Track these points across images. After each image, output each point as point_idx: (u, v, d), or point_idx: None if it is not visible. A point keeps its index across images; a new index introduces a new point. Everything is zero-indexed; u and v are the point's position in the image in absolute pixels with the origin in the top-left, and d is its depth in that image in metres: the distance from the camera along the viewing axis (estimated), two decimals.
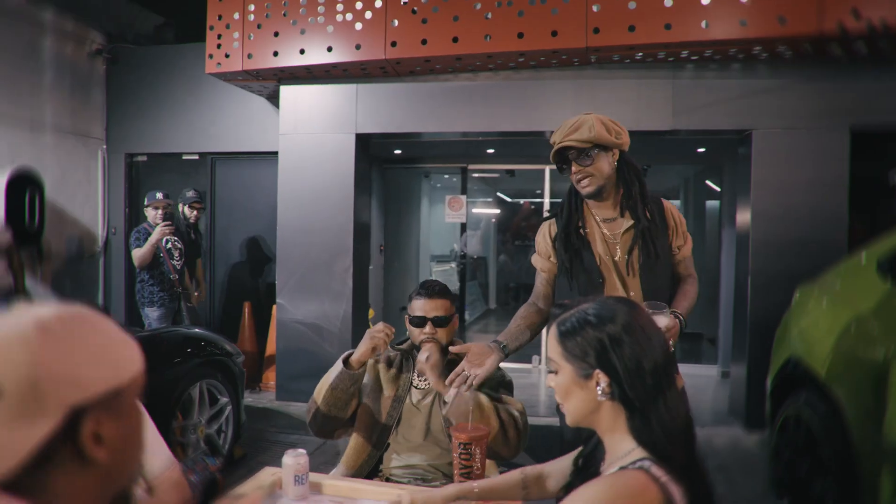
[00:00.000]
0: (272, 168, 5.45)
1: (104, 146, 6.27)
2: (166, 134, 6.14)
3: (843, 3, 3.96)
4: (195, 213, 5.35)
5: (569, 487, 1.29)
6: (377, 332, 2.03)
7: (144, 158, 6.39)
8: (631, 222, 2.13)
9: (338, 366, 2.06)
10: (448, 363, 2.13)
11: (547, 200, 6.77)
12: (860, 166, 4.61)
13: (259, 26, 4.87)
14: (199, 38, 5.13)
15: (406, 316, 2.26)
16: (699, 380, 6.16)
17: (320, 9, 4.74)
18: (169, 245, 4.96)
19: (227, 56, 4.94)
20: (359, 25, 4.66)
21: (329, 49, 4.74)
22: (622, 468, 1.10)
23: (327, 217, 5.17)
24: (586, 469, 1.31)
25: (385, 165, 7.12)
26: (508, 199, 10.13)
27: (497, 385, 2.17)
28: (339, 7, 4.71)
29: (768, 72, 4.57)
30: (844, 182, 4.54)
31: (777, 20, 4.02)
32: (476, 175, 7.45)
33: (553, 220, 2.29)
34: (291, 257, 5.23)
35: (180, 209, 5.35)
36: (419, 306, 2.19)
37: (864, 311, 2.56)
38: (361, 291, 5.39)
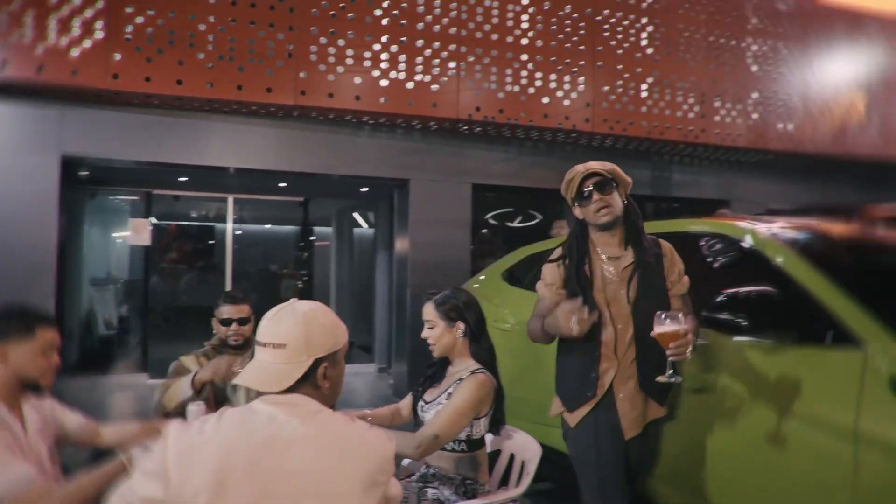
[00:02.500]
0: None
1: None
2: None
3: (473, 99, 5.81)
4: None
5: (415, 404, 2.42)
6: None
7: None
8: (631, 261, 2.24)
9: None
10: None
11: (229, 226, 7.42)
12: (479, 210, 6.63)
13: None
14: None
15: (215, 319, 2.97)
16: (361, 376, 7.58)
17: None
18: None
19: None
20: (75, 52, 4.82)
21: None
22: (472, 373, 2.25)
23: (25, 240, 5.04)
24: (426, 386, 2.43)
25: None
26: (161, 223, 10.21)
27: None
28: (53, 29, 4.79)
29: (422, 137, 6.25)
30: (468, 220, 6.47)
31: (405, 104, 5.65)
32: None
33: (560, 259, 2.35)
34: None
35: None
36: (226, 311, 2.94)
37: (496, 303, 4.16)
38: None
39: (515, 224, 8.00)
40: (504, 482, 2.53)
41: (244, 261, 7.94)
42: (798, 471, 2.12)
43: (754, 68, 7.16)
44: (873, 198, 8.58)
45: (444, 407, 2.24)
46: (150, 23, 4.97)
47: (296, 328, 1.44)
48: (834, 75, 7.65)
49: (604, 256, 2.28)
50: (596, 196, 2.20)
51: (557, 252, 2.38)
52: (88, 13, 4.85)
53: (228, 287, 7.28)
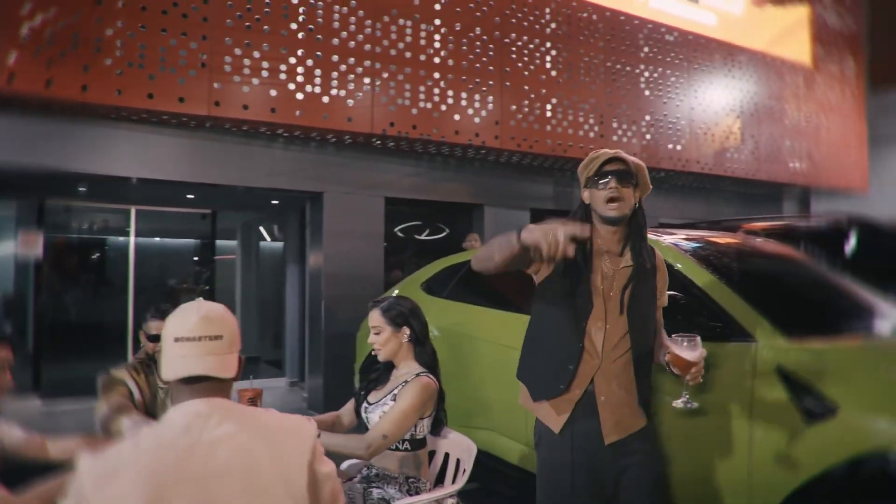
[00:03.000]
0: None
1: None
2: None
3: (387, 115, 5.93)
4: None
5: (358, 406, 2.49)
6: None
7: None
8: (627, 264, 2.10)
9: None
10: None
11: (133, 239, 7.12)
12: (391, 223, 6.74)
13: None
14: None
15: (143, 333, 2.94)
16: (272, 390, 7.45)
17: None
18: None
19: None
20: None
21: None
22: (416, 376, 2.36)
23: None
24: (369, 389, 2.52)
25: None
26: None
27: None
28: None
29: (336, 151, 6.30)
30: (381, 232, 6.57)
31: (321, 117, 5.72)
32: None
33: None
34: None
35: None
36: (154, 326, 2.92)
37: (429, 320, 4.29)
38: None
39: (423, 237, 8.18)
40: (440, 480, 2.65)
41: (145, 275, 7.60)
42: (705, 447, 2.39)
43: (647, 93, 7.75)
44: (749, 212, 9.46)
45: (391, 408, 2.34)
46: (50, 23, 4.74)
47: (226, 321, 1.49)
48: (714, 101, 8.41)
49: (603, 250, 2.10)
50: (613, 185, 2.02)
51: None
52: None
53: (131, 302, 6.98)
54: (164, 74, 5.07)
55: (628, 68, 7.59)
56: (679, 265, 2.76)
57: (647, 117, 7.70)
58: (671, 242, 2.93)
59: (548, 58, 6.96)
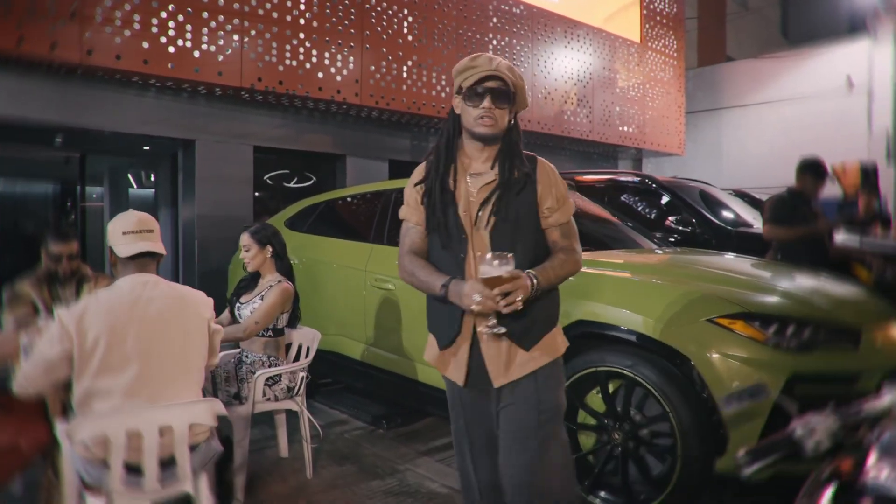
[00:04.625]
0: None
1: None
2: None
3: (255, 70, 6.45)
4: None
5: (232, 307, 3.24)
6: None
7: None
8: (493, 179, 1.97)
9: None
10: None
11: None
12: (260, 171, 7.31)
13: None
14: None
15: (44, 252, 3.47)
16: None
17: None
18: None
19: None
20: None
21: None
22: (279, 282, 3.14)
23: None
24: (240, 293, 3.27)
25: None
26: None
27: None
28: None
29: (207, 102, 6.75)
30: (251, 178, 7.15)
31: (192, 70, 6.20)
32: None
33: (423, 168, 2.10)
34: None
35: None
36: (56, 248, 3.45)
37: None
38: None
39: (292, 185, 8.77)
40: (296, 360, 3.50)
41: (3, 219, 7.67)
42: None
43: None
44: (587, 167, 10.83)
45: (260, 304, 3.13)
46: None
47: (153, 221, 2.33)
48: (554, 69, 9.56)
49: (468, 171, 1.99)
50: (487, 104, 1.90)
51: (419, 174, 2.09)
52: None
53: None
54: (32, 21, 5.31)
55: (478, 36, 8.50)
56: None
57: None
58: None
59: (405, 23, 7.70)
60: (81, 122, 6.03)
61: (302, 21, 6.82)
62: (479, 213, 1.97)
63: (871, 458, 1.03)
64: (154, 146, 7.51)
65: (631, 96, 10.97)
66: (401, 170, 8.69)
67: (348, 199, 5.13)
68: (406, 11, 7.72)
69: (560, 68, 9.65)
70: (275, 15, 6.62)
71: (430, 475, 3.44)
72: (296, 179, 8.74)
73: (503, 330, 1.89)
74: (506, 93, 1.95)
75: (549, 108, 9.47)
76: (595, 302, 3.01)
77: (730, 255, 4.12)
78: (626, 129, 10.86)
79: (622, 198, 6.35)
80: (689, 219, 5.70)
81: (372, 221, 4.38)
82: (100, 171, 9.58)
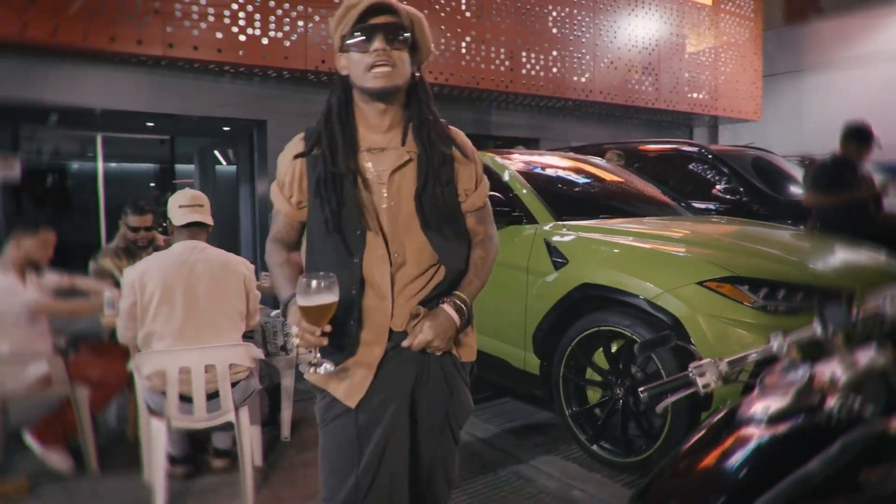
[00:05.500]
0: None
1: None
2: None
3: (319, 52, 6.91)
4: None
5: None
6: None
7: None
8: (405, 158, 1.56)
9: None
10: None
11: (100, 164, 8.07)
12: None
13: None
14: None
15: (123, 223, 4.03)
16: None
17: None
18: None
19: None
20: None
21: None
22: None
23: None
24: None
25: None
26: None
27: None
28: None
29: (277, 85, 7.29)
30: None
31: (261, 56, 6.69)
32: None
33: (302, 141, 1.63)
34: None
35: None
36: (134, 220, 4.01)
37: None
38: None
39: None
40: None
41: (113, 196, 8.58)
42: (500, 293, 3.69)
43: (554, 30, 8.80)
44: (656, 136, 10.73)
45: None
46: None
47: (205, 198, 2.80)
48: (617, 37, 9.50)
49: (363, 146, 1.57)
50: (378, 44, 1.47)
51: (297, 145, 1.65)
52: None
53: (102, 221, 8.01)
54: (123, 20, 5.97)
55: (537, 8, 8.60)
56: (506, 176, 4.00)
57: (555, 52, 8.79)
58: (506, 162, 4.16)
59: (462, 1, 7.93)
60: (167, 108, 6.71)
61: None
62: (390, 205, 1.55)
63: (753, 395, 1.26)
64: (233, 127, 8.16)
65: (701, 61, 10.71)
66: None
67: None
68: None
69: (624, 36, 9.58)
70: (336, 0, 7.03)
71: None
72: None
73: (331, 368, 1.48)
74: (401, 27, 1.50)
75: (612, 78, 9.45)
76: (597, 266, 3.26)
77: (756, 224, 4.21)
78: (696, 95, 10.64)
79: (670, 166, 6.41)
80: (736, 187, 5.72)
81: None
82: (189, 151, 10.46)
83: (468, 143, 1.69)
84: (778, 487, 0.99)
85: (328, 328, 1.43)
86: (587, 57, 9.17)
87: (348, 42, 1.52)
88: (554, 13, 8.79)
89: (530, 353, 3.57)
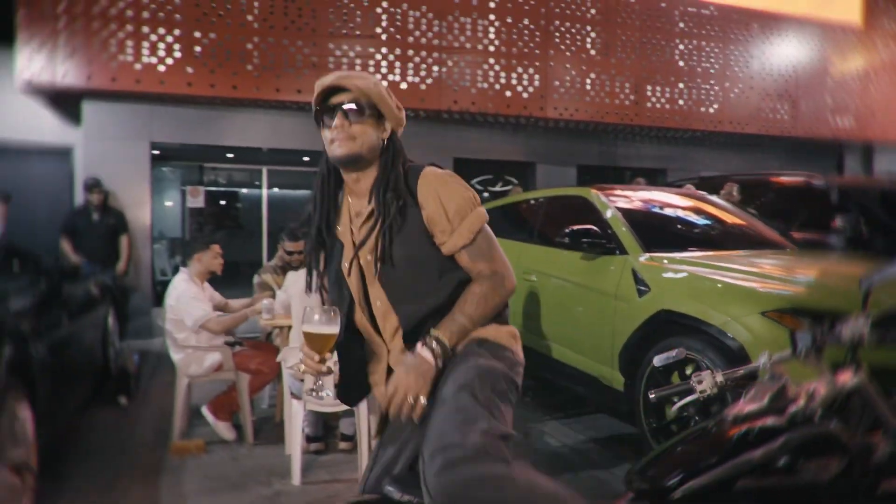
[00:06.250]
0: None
1: None
2: None
3: (451, 94, 7.66)
4: None
5: None
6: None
7: None
8: (363, 217, 1.67)
9: None
10: None
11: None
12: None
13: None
14: None
15: (281, 247, 4.88)
16: None
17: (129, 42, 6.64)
18: None
19: None
20: (161, 67, 6.72)
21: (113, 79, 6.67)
22: None
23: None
24: None
25: None
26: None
27: None
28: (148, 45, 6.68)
29: (414, 123, 8.12)
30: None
31: (419, 101, 7.52)
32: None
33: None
34: None
35: None
36: (290, 245, 4.84)
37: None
38: None
39: (495, 189, 9.88)
40: None
41: (275, 219, 9.89)
42: (589, 313, 4.09)
43: (681, 63, 8.95)
44: (794, 164, 10.42)
45: None
46: (212, 43, 6.84)
47: None
48: (749, 67, 9.42)
49: (352, 211, 1.72)
50: (337, 121, 1.61)
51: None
52: (169, 38, 6.73)
53: (265, 240, 9.28)
54: (286, 74, 7.08)
55: (663, 42, 8.82)
56: (607, 212, 4.42)
57: (681, 85, 8.93)
58: (606, 198, 4.56)
59: (588, 39, 8.37)
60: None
61: (492, 48, 7.88)
62: (366, 260, 1.67)
63: (740, 400, 1.62)
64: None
65: (848, 85, 10.25)
66: (589, 174, 9.37)
67: (504, 207, 6.01)
68: (589, 28, 8.38)
69: (757, 65, 9.49)
70: (468, 45, 7.77)
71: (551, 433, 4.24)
72: (501, 184, 9.78)
73: (330, 395, 1.65)
74: (357, 105, 1.61)
75: (744, 107, 9.37)
76: (674, 294, 3.59)
77: (851, 260, 4.28)
78: (842, 121, 10.20)
79: (793, 197, 6.39)
80: (857, 221, 5.64)
81: (523, 225, 5.27)
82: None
83: (444, 182, 1.66)
84: (724, 465, 1.39)
85: (328, 356, 1.58)
86: (716, 88, 9.19)
87: (318, 120, 1.68)
88: (681, 46, 8.95)
89: (616, 371, 3.94)
